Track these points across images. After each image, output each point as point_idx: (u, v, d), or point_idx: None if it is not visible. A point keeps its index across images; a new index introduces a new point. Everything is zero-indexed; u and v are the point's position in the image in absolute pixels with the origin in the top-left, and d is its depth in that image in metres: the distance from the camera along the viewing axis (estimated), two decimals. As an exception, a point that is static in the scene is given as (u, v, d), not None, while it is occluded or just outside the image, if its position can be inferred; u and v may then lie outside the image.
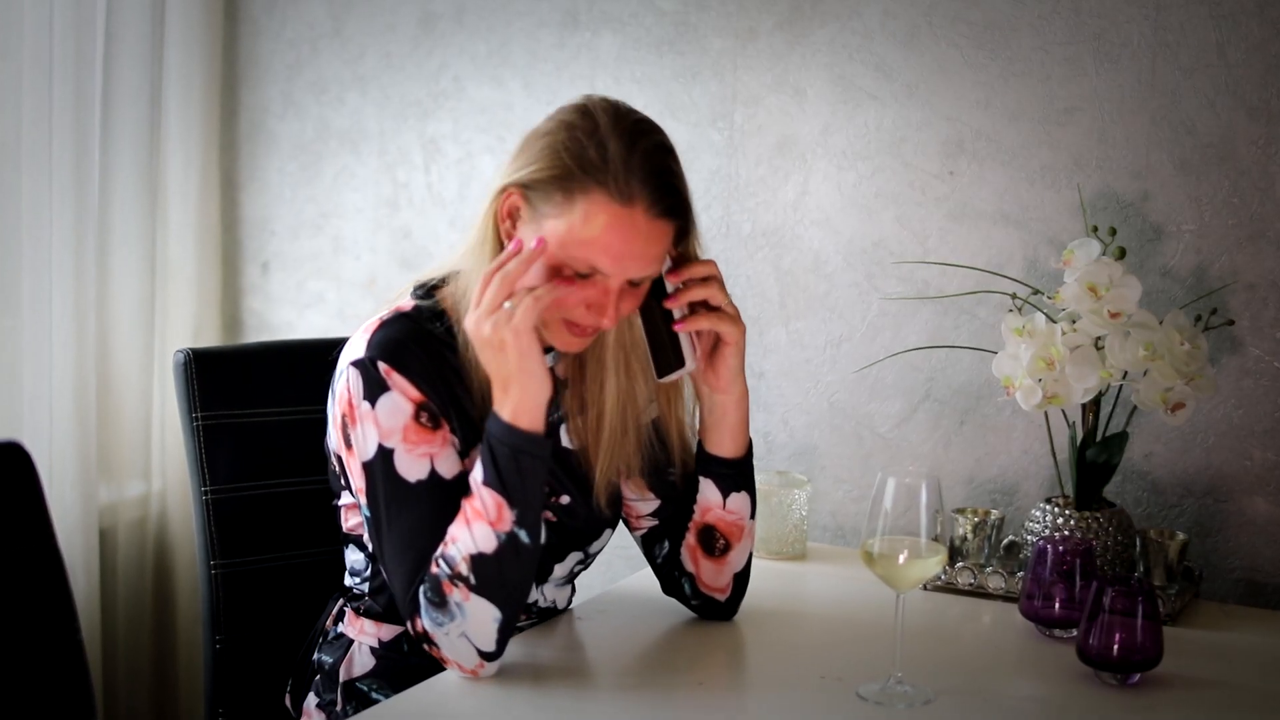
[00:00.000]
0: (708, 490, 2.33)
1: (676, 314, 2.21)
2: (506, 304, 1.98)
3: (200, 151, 3.56)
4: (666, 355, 2.23)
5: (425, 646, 2.09)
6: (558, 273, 2.07)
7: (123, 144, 3.34)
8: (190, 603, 3.49)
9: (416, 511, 2.09)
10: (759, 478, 2.82)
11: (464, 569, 2.02)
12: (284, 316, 3.67)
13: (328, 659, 2.32)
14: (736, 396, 2.30)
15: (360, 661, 2.29)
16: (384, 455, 2.10)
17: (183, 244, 3.53)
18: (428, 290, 2.24)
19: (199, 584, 2.54)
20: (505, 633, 2.06)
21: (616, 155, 2.04)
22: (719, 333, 2.24)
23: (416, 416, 2.10)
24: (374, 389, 2.11)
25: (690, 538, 2.36)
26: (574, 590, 2.44)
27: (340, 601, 2.36)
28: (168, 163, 3.50)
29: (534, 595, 2.32)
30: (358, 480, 2.14)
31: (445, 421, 2.13)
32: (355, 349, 2.15)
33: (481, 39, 3.37)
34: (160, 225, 3.48)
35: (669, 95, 3.16)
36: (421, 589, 2.06)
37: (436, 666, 2.15)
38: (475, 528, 2.02)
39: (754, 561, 2.73)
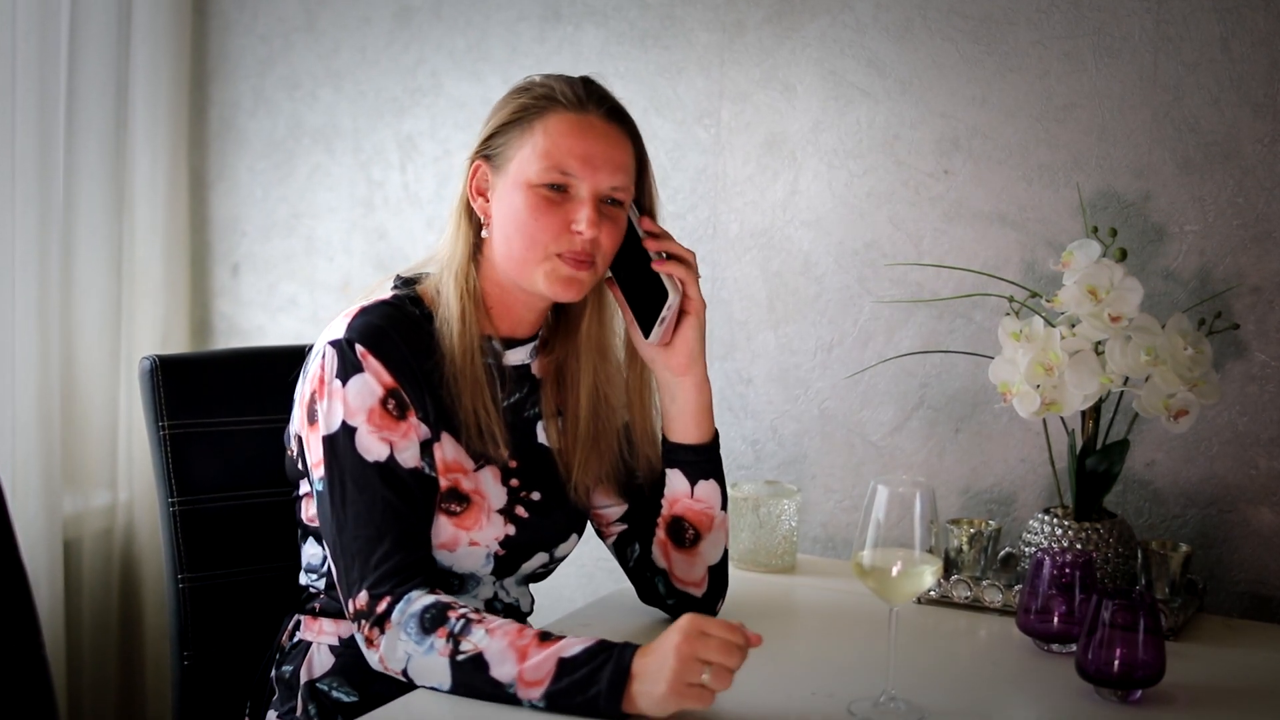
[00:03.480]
0: (675, 480, 2.39)
1: (654, 256, 2.32)
2: (705, 675, 1.94)
3: (168, 150, 3.55)
4: (647, 307, 2.32)
5: (360, 621, 2.12)
6: (536, 204, 2.21)
7: (88, 142, 3.33)
8: (158, 617, 3.48)
9: (373, 494, 2.15)
10: (747, 487, 2.83)
11: (466, 647, 2.03)
12: (255, 320, 3.66)
13: (287, 669, 2.34)
14: (697, 379, 2.37)
15: (320, 661, 2.31)
16: (347, 431, 2.17)
17: (150, 245, 3.52)
18: (406, 283, 2.34)
19: (166, 598, 2.53)
20: (432, 688, 2.08)
21: (561, 85, 2.25)
22: (686, 294, 2.32)
23: (384, 402, 2.18)
24: (347, 369, 2.18)
25: (660, 532, 2.41)
26: (533, 598, 2.48)
27: (295, 617, 2.39)
28: (135, 161, 3.48)
29: (494, 590, 2.35)
30: (316, 454, 2.20)
31: (413, 412, 2.20)
32: (334, 331, 2.23)
33: (460, 33, 3.36)
34: (127, 226, 3.47)
35: (654, 91, 3.16)
36: (424, 603, 2.08)
37: None
38: (509, 656, 2.01)
39: (742, 574, 2.75)
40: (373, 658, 2.11)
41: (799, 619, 2.65)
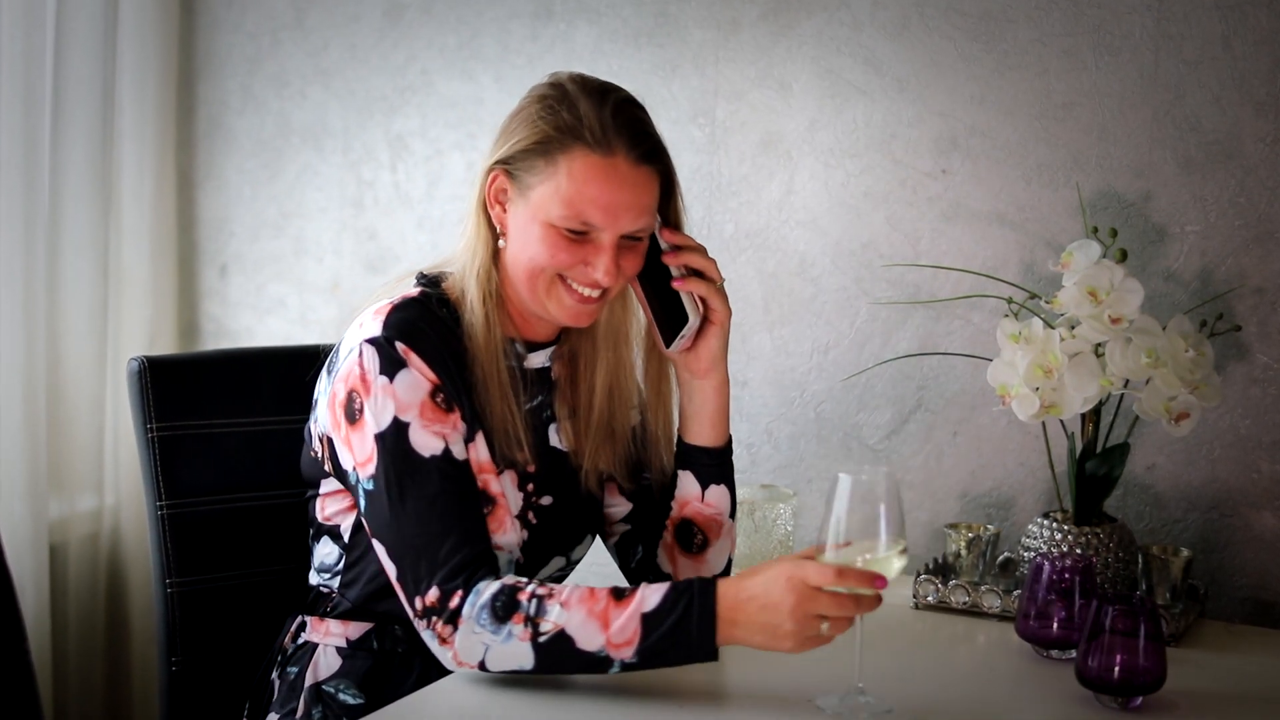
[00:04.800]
0: (686, 482, 2.38)
1: (675, 272, 2.28)
2: (824, 626, 2.00)
3: (155, 149, 3.54)
4: (670, 319, 2.30)
5: (430, 619, 2.11)
6: (555, 242, 2.18)
7: (74, 142, 3.32)
8: (145, 622, 3.47)
9: (433, 489, 2.14)
10: (741, 491, 2.82)
11: (546, 627, 2.05)
12: (243, 322, 3.66)
13: (291, 670, 2.34)
14: (717, 383, 2.37)
15: (326, 663, 2.31)
16: (399, 427, 2.16)
17: (137, 246, 3.51)
18: (431, 280, 2.32)
19: (154, 603, 2.53)
20: (515, 675, 2.11)
21: (589, 112, 2.17)
22: (709, 307, 2.31)
23: (433, 395, 2.17)
24: (391, 365, 2.17)
25: (668, 535, 2.41)
26: None
27: (299, 618, 2.38)
28: (121, 161, 3.48)
29: None
30: (362, 452, 2.18)
31: (457, 407, 2.20)
32: (369, 329, 2.21)
33: (451, 30, 3.36)
34: (114, 227, 3.46)
35: (647, 89, 3.15)
36: (493, 590, 2.08)
37: (406, 663, 2.28)
38: (591, 624, 2.04)
39: (737, 579, 2.74)
40: (445, 655, 2.11)
41: (795, 624, 2.64)
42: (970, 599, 2.62)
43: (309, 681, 2.30)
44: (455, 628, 2.08)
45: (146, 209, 3.52)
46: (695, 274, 2.31)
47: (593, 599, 2.05)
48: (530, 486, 2.29)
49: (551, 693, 2.13)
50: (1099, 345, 2.49)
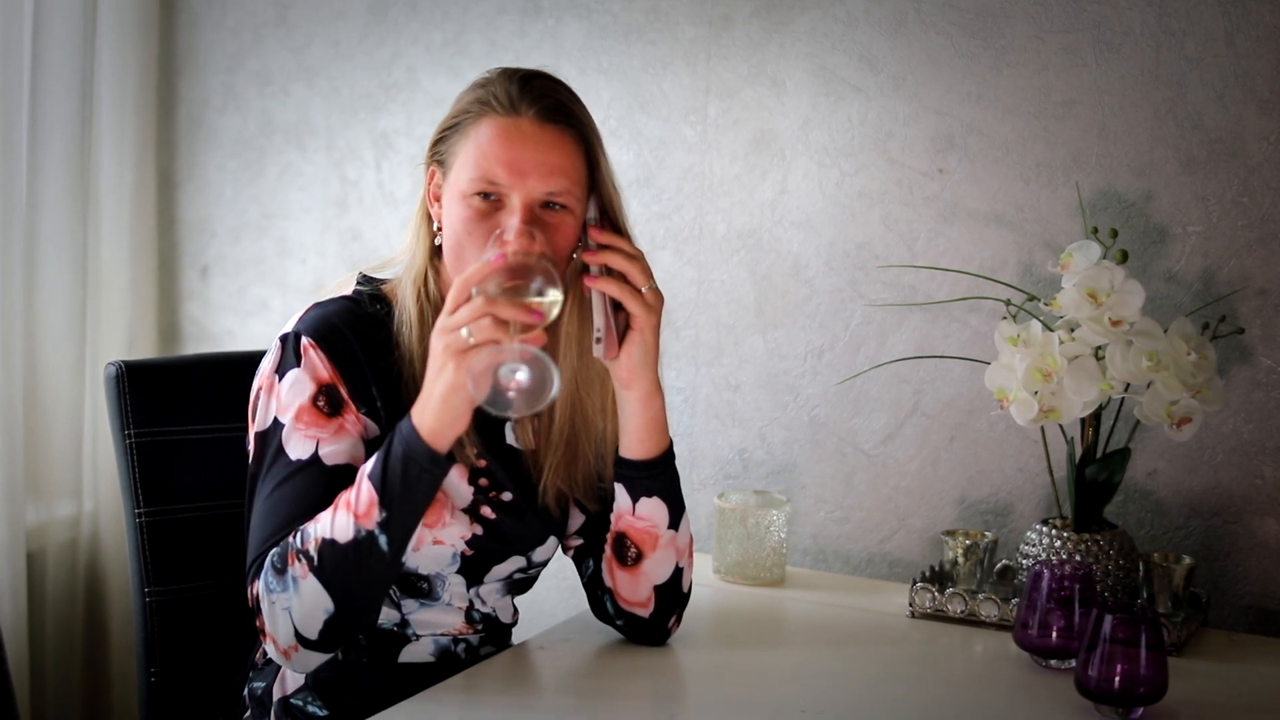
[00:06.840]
0: (619, 495, 2.34)
1: (593, 271, 2.22)
2: (464, 332, 2.00)
3: (135, 148, 3.54)
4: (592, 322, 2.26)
5: (256, 617, 2.15)
6: (469, 215, 2.18)
7: (52, 140, 3.31)
8: (124, 631, 3.46)
9: (289, 486, 2.17)
10: (734, 497, 2.82)
11: (312, 548, 2.08)
12: (225, 325, 3.65)
13: (259, 685, 2.34)
14: (642, 394, 2.28)
15: (293, 677, 2.31)
16: (275, 427, 2.20)
17: (116, 247, 3.50)
18: (371, 280, 2.35)
19: (133, 611, 2.52)
20: (333, 629, 2.11)
21: (501, 87, 2.21)
22: (628, 311, 2.23)
23: (315, 399, 2.19)
24: (287, 364, 2.22)
25: (607, 549, 2.38)
26: (516, 610, 2.46)
27: None
28: (100, 161, 3.47)
29: (469, 598, 2.34)
30: (251, 447, 2.23)
31: (351, 409, 2.21)
32: (288, 325, 2.25)
33: (437, 27, 3.35)
34: (92, 227, 3.46)
35: (638, 87, 3.15)
36: (271, 552, 2.13)
37: (370, 675, 2.27)
38: (339, 515, 2.08)
39: (729, 586, 2.74)
40: (270, 649, 2.15)
41: (789, 633, 2.64)
42: (967, 607, 2.61)
43: (276, 695, 2.30)
44: (263, 612, 2.13)
45: (126, 209, 3.52)
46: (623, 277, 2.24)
47: (337, 498, 2.10)
48: (483, 481, 2.28)
49: (530, 710, 2.13)
50: (1099, 348, 2.48)
